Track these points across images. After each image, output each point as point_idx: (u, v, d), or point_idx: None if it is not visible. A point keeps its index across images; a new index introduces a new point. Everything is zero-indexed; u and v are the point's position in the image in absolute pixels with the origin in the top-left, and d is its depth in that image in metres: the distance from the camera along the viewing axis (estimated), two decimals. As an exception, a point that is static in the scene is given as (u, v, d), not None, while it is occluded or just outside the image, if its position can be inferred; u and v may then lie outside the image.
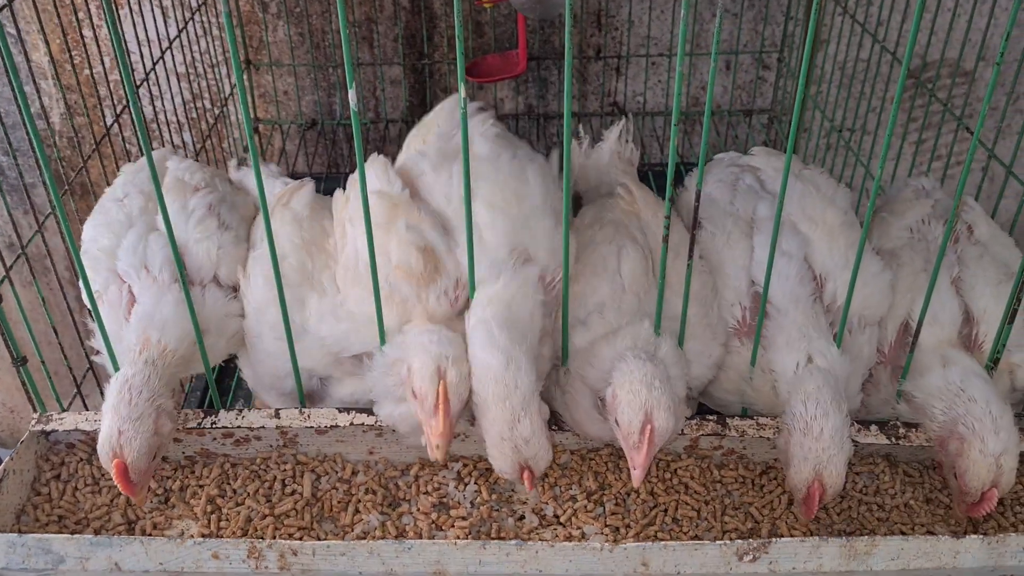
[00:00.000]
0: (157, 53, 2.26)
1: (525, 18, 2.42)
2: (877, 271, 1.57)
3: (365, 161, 1.65)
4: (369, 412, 1.52)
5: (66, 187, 1.80)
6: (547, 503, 1.49)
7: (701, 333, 1.52)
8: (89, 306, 1.50)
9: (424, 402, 1.32)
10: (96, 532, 1.44)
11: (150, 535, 1.43)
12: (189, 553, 1.30)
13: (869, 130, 2.46)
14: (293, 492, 1.50)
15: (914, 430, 1.52)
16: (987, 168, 1.97)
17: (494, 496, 1.50)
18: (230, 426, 1.51)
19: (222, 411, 1.54)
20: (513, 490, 1.52)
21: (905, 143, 2.39)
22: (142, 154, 1.54)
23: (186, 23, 2.37)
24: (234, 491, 1.50)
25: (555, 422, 1.53)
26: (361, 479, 1.52)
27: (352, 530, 1.45)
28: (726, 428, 1.52)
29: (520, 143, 1.70)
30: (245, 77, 2.73)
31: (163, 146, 2.23)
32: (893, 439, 1.52)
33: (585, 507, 1.47)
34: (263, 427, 1.51)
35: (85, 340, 1.68)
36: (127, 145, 2.11)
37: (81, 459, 1.53)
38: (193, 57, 2.45)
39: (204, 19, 2.51)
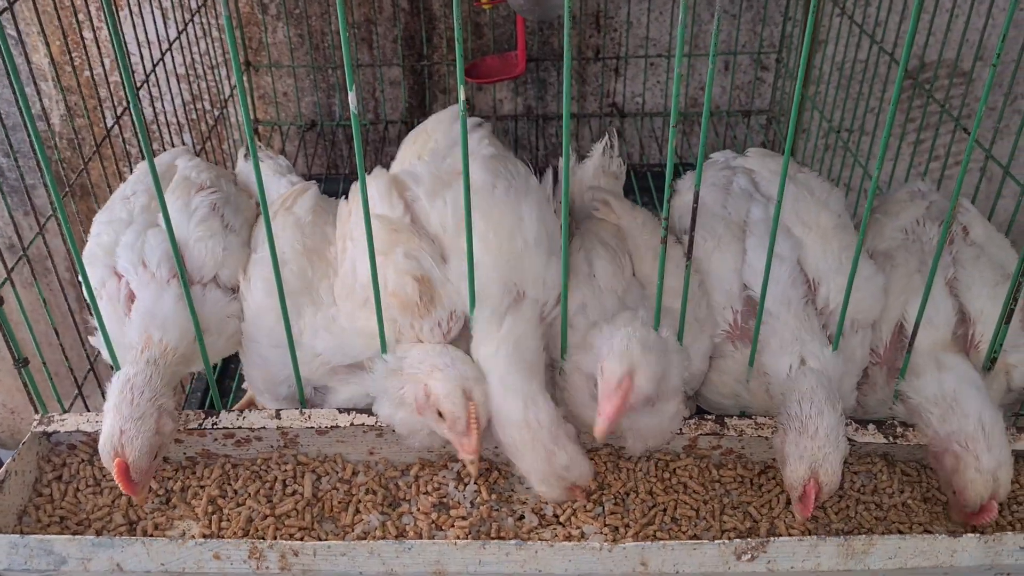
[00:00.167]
0: (157, 55, 2.27)
1: (524, 19, 2.43)
2: (870, 274, 1.58)
3: (369, 173, 1.67)
4: (369, 413, 1.53)
5: (67, 188, 1.80)
6: (546, 503, 1.49)
7: (689, 327, 1.53)
8: (89, 303, 1.50)
9: (456, 424, 1.39)
10: (98, 533, 1.44)
11: (151, 536, 1.44)
12: (190, 554, 1.31)
13: (867, 131, 2.46)
14: (294, 492, 1.50)
15: (911, 429, 1.53)
16: (984, 168, 1.98)
17: (494, 496, 1.50)
18: (231, 427, 1.52)
19: (223, 412, 1.54)
20: (512, 490, 1.53)
21: (903, 143, 2.39)
22: (143, 156, 1.55)
23: (186, 25, 2.37)
24: (235, 491, 1.51)
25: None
26: (361, 479, 1.53)
27: (353, 530, 1.45)
28: (724, 428, 1.53)
29: (516, 165, 1.68)
30: (245, 79, 2.74)
31: (163, 148, 2.23)
32: (891, 438, 1.52)
33: (584, 507, 1.48)
34: (264, 428, 1.52)
35: (86, 340, 1.69)
36: (127, 147, 2.11)
37: (83, 460, 1.54)
38: (193, 59, 2.46)
39: (204, 21, 2.51)
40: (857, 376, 1.56)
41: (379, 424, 1.51)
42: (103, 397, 1.53)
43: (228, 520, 1.46)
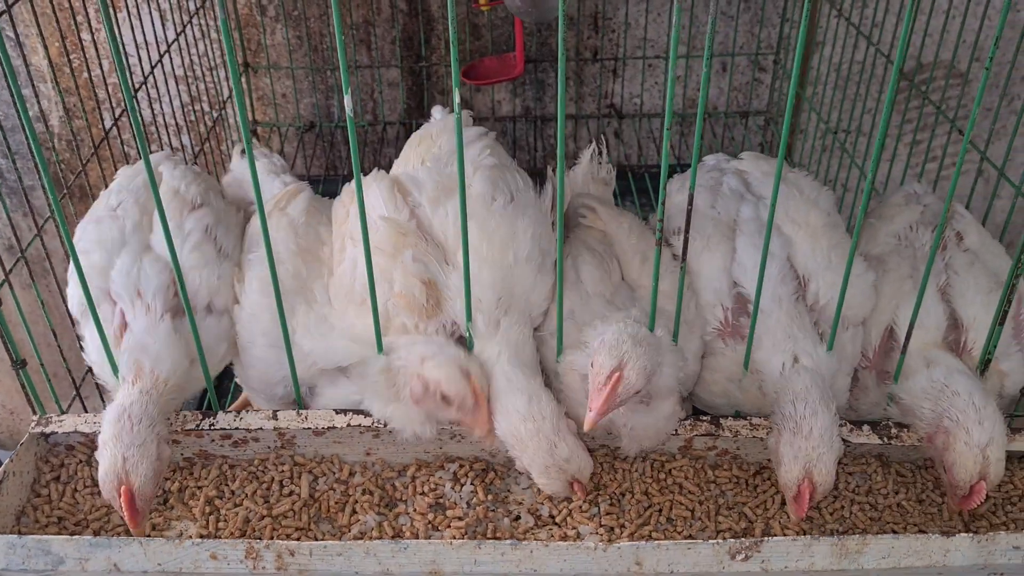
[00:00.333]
0: (155, 56, 2.27)
1: (522, 21, 2.43)
2: (860, 272, 1.59)
3: (368, 175, 1.68)
4: (366, 414, 1.53)
5: (65, 190, 1.81)
6: (542, 503, 1.50)
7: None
8: (76, 316, 1.50)
9: (464, 403, 1.43)
10: (95, 533, 1.45)
11: (149, 536, 1.44)
12: (187, 554, 1.32)
13: (864, 132, 2.47)
14: (291, 493, 1.51)
15: (906, 430, 1.53)
16: (980, 169, 1.98)
17: (490, 497, 1.51)
18: (228, 428, 1.53)
19: (220, 413, 1.55)
20: (509, 491, 1.53)
21: (900, 144, 2.40)
22: (140, 157, 1.55)
23: (184, 26, 2.38)
24: (232, 492, 1.52)
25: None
26: (358, 480, 1.54)
27: (349, 531, 1.46)
28: (720, 428, 1.53)
29: (516, 178, 1.69)
30: (243, 80, 2.74)
31: (162, 149, 2.23)
32: (885, 439, 1.53)
33: (580, 507, 1.48)
34: (261, 429, 1.53)
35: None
36: (126, 148, 2.12)
37: (80, 461, 1.54)
38: (191, 60, 2.46)
39: (202, 22, 2.52)
40: (850, 373, 1.57)
41: (376, 425, 1.52)
42: (101, 399, 1.54)
43: (225, 521, 1.47)
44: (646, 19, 2.67)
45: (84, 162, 1.88)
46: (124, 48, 2.26)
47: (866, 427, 1.54)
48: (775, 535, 1.45)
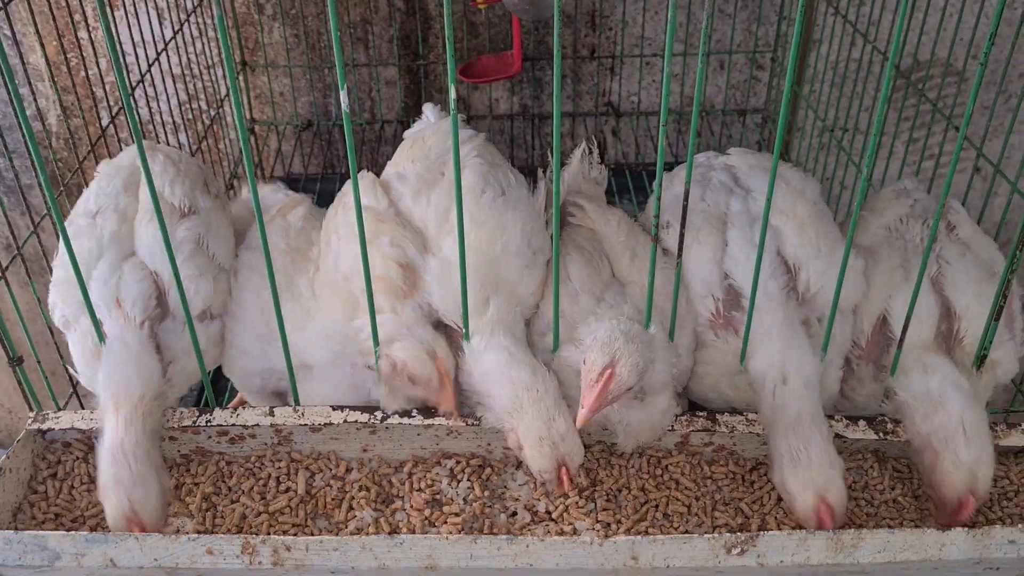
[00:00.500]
0: (153, 55, 2.28)
1: (519, 19, 2.43)
2: (849, 260, 1.59)
3: (363, 172, 1.69)
4: (363, 410, 1.54)
5: (62, 188, 1.81)
6: (539, 499, 1.50)
7: (667, 323, 1.54)
8: (60, 327, 1.51)
9: (430, 383, 1.47)
10: (92, 530, 1.45)
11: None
12: (183, 549, 1.32)
13: (861, 129, 2.47)
14: (287, 489, 1.51)
15: (902, 426, 1.53)
16: (976, 166, 1.99)
17: (487, 493, 1.51)
18: (225, 424, 1.53)
19: (217, 409, 1.55)
20: (505, 487, 1.53)
21: (897, 142, 2.41)
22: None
23: (182, 25, 2.38)
24: (229, 488, 1.52)
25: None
26: (355, 476, 1.54)
27: (346, 527, 1.46)
28: (716, 424, 1.54)
29: (508, 176, 1.69)
30: (241, 78, 2.74)
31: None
32: (881, 435, 1.53)
33: (577, 503, 1.49)
34: (257, 425, 1.53)
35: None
36: (123, 146, 2.12)
37: (77, 457, 1.55)
38: (189, 59, 2.47)
39: (200, 20, 2.52)
40: (840, 364, 1.57)
41: (372, 421, 1.52)
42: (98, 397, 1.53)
43: (222, 517, 1.47)
44: (643, 17, 2.67)
45: (81, 160, 1.88)
46: (121, 46, 2.27)
47: (862, 423, 1.55)
48: (771, 531, 1.45)
